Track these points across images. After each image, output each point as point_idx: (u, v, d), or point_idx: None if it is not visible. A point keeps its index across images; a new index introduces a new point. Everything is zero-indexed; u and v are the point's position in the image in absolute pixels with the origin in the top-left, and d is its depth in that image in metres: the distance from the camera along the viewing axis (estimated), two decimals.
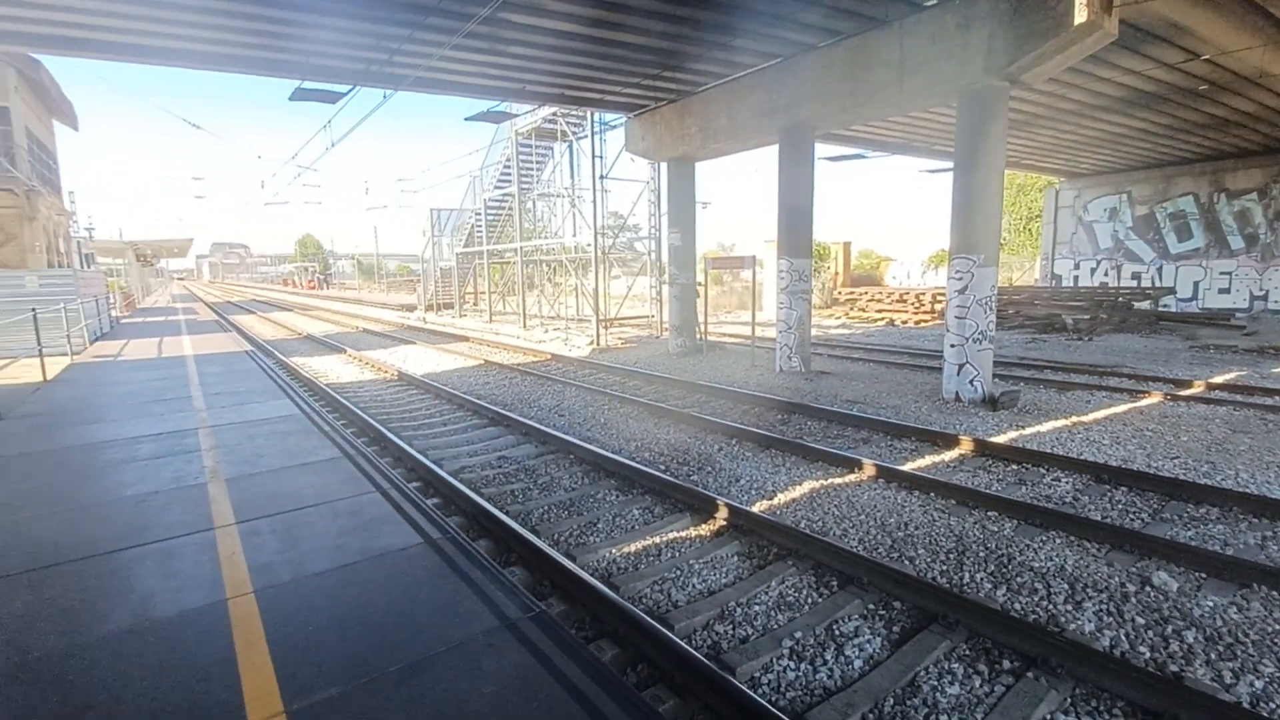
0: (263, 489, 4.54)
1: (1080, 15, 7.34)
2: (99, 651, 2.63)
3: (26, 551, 3.56)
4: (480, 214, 24.37)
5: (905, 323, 21.31)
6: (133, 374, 9.95)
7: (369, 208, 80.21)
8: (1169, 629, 3.57)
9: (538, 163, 23.09)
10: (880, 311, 22.83)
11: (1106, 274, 23.98)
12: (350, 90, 11.00)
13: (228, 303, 47.82)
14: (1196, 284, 21.76)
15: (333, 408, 9.40)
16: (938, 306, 20.98)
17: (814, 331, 14.38)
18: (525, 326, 20.75)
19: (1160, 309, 19.79)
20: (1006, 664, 3.30)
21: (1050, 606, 3.83)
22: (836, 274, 29.10)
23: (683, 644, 3.25)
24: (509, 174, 22.37)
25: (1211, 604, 3.79)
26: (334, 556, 3.46)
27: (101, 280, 23.23)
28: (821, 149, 14.94)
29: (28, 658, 2.60)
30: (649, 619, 3.47)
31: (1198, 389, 9.63)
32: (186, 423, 6.54)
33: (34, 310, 10.27)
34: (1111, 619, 3.68)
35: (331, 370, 13.57)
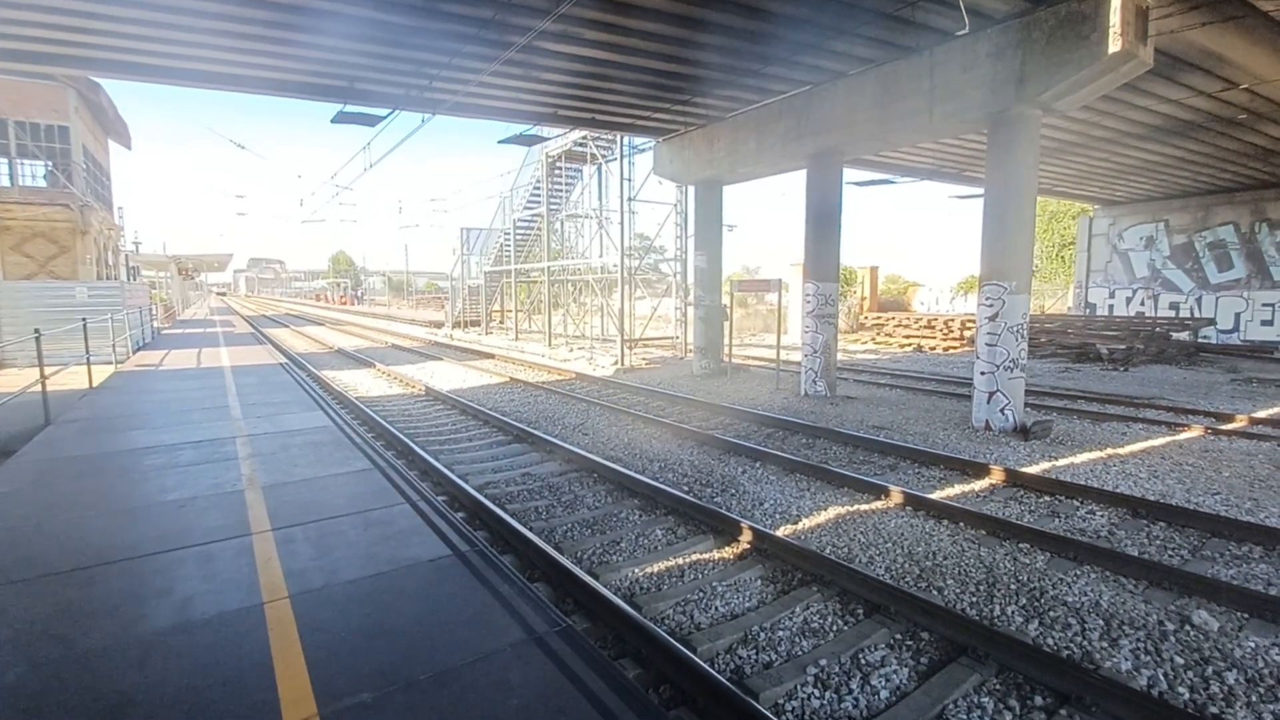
0: (297, 497, 4.66)
1: (1114, 45, 7.32)
2: (143, 648, 2.72)
3: (76, 551, 3.71)
4: (509, 234, 24.86)
5: (934, 349, 21.02)
6: (173, 383, 10.30)
7: (402, 226, 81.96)
8: (1209, 670, 3.45)
9: (567, 184, 23.54)
10: (908, 337, 22.56)
11: (1143, 303, 23.43)
12: (390, 114, 11.40)
13: (262, 316, 49.21)
14: (1238, 315, 21.14)
15: (363, 421, 9.60)
16: (967, 333, 20.66)
17: (840, 356, 14.28)
18: (550, 345, 20.96)
19: (1200, 340, 19.23)
20: (1039, 700, 3.22)
21: (1085, 643, 3.73)
22: (863, 299, 28.89)
23: (706, 666, 3.24)
24: (538, 195, 22.84)
25: (1254, 645, 3.66)
26: (366, 565, 3.53)
27: (145, 292, 24.13)
28: (849, 174, 14.95)
29: (76, 652, 2.70)
30: (672, 640, 3.47)
31: (1240, 423, 9.32)
32: (224, 431, 6.74)
33: (84, 320, 10.72)
34: (1149, 658, 3.58)
35: (362, 384, 13.86)
